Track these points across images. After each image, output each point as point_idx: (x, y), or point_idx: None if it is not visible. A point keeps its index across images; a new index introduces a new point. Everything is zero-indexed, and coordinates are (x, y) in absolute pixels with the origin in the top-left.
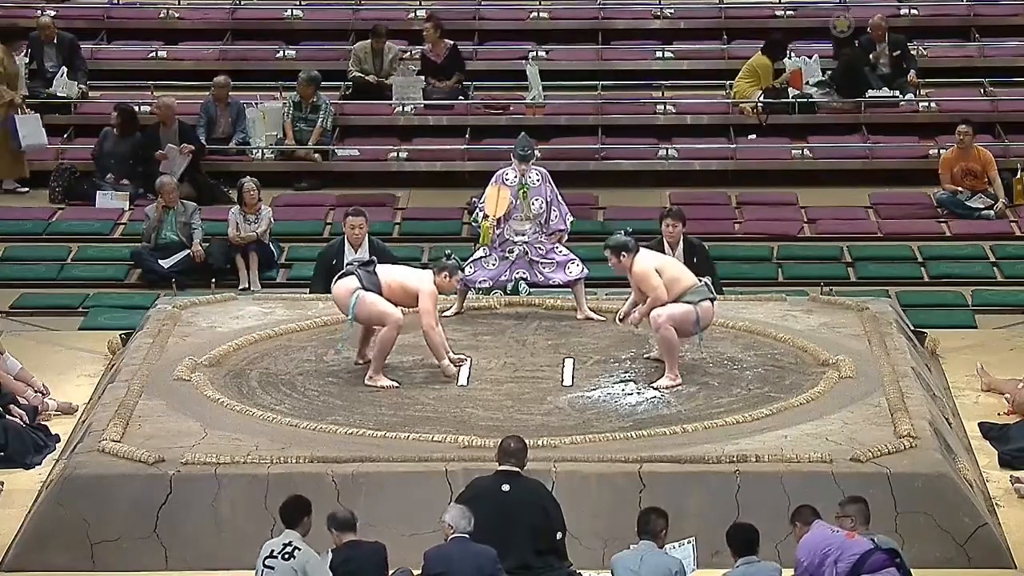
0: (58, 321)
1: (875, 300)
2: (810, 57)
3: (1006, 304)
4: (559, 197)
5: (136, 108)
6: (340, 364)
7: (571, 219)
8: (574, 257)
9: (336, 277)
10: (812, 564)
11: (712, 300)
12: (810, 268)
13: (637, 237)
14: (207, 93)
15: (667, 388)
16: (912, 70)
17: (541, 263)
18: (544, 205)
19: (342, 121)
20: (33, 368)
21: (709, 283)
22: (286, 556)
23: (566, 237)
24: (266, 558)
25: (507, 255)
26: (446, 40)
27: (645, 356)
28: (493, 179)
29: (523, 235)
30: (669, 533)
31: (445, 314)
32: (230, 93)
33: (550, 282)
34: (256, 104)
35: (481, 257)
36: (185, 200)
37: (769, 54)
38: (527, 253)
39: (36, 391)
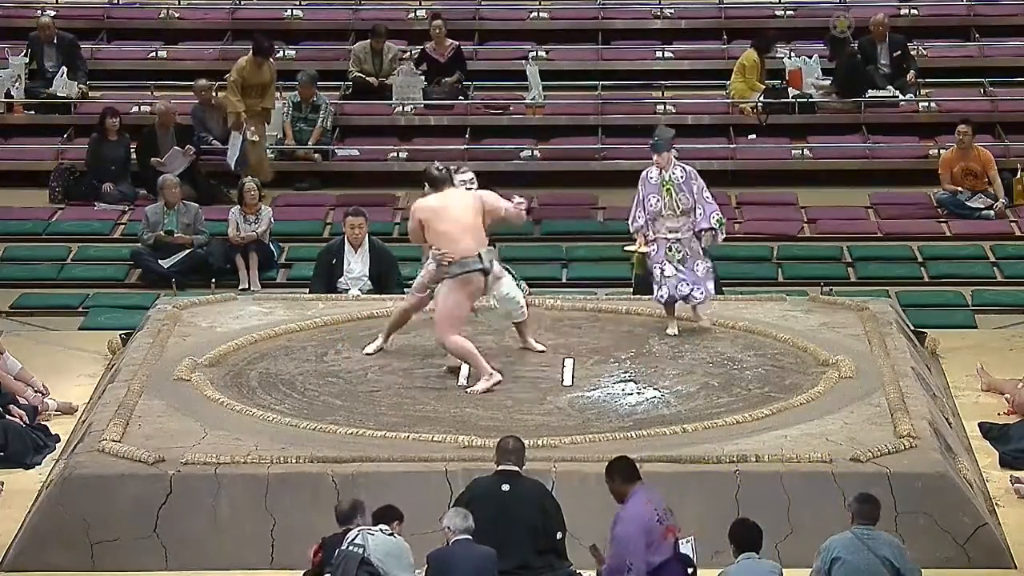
0: (58, 321)
1: (875, 300)
2: (810, 57)
3: (1006, 304)
4: (706, 195)
5: (135, 108)
6: (340, 364)
7: (718, 217)
8: (702, 279)
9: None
10: (637, 548)
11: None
12: (810, 268)
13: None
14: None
15: (483, 390)
16: (912, 70)
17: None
18: (691, 201)
19: (342, 121)
20: (33, 368)
21: (482, 254)
22: (386, 532)
23: (719, 238)
24: (363, 529)
25: (669, 260)
26: (451, 40)
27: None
28: (639, 181)
29: (676, 232)
30: None
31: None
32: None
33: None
34: None
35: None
36: (187, 201)
37: (758, 49)
38: (680, 251)
39: (36, 391)
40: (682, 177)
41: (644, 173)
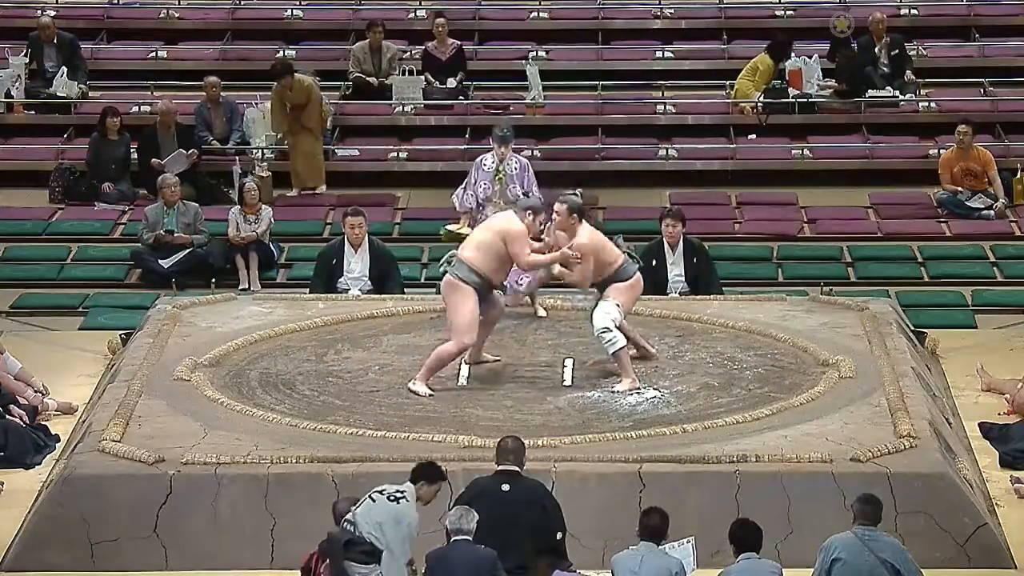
0: (58, 321)
1: (875, 300)
2: (810, 57)
3: (1006, 304)
4: (535, 188)
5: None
6: (340, 364)
7: None
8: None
9: None
10: None
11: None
12: (810, 268)
13: (636, 238)
14: (204, 95)
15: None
16: (909, 70)
17: None
18: (519, 192)
19: (342, 121)
20: (33, 368)
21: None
22: (392, 498)
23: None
24: (374, 491)
25: None
26: (453, 40)
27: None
28: (473, 165)
29: None
30: (669, 533)
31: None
32: (222, 93)
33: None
34: (256, 104)
35: None
36: (187, 200)
37: (773, 55)
38: None
39: (36, 391)
40: (517, 169)
41: (479, 159)
